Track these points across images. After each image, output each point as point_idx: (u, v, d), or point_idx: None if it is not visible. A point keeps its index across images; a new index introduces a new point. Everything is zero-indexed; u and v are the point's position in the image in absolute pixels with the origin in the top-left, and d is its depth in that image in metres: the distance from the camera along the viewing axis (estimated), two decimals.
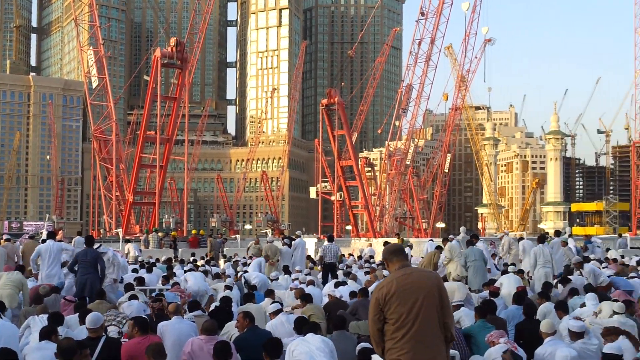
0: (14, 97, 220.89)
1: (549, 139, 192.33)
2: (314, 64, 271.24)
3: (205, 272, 19.85)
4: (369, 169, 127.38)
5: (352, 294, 14.97)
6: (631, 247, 37.53)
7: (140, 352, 8.50)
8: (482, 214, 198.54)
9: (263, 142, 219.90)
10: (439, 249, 22.09)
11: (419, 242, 43.21)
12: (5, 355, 7.78)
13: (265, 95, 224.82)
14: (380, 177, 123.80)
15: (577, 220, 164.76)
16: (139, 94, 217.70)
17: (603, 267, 18.59)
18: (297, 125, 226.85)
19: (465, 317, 11.89)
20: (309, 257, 28.17)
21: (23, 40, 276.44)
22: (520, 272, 17.76)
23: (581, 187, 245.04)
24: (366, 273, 21.67)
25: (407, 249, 28.80)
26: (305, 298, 13.45)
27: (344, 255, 31.15)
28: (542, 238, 19.21)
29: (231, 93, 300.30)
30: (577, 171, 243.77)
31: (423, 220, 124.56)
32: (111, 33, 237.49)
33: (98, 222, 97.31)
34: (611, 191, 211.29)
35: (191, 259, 28.60)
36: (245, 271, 21.38)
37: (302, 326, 9.91)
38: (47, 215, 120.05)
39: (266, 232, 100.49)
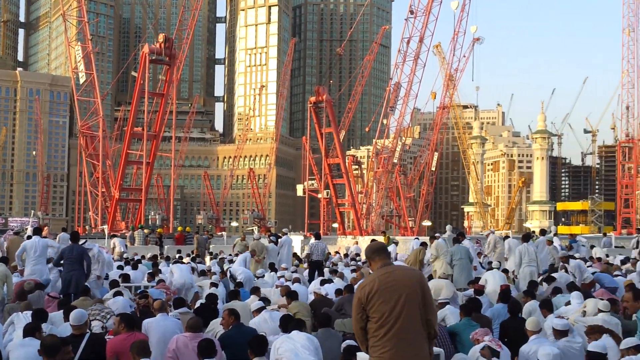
0: (1, 93, 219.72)
1: (536, 138, 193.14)
2: (302, 61, 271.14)
3: (192, 270, 19.83)
4: (356, 167, 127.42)
5: (338, 292, 14.98)
6: (616, 246, 37.75)
7: (125, 349, 8.47)
8: (468, 212, 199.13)
9: (250, 139, 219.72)
10: (424, 245, 22.16)
11: (405, 240, 43.25)
12: None
13: (254, 92, 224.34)
14: (368, 175, 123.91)
15: (563, 219, 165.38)
16: (127, 90, 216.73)
17: (587, 266, 18.70)
18: (284, 123, 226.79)
19: (450, 315, 11.93)
20: (295, 254, 28.18)
21: (10, 35, 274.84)
22: (504, 272, 17.84)
23: (567, 186, 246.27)
24: (352, 271, 21.72)
25: (392, 246, 28.89)
26: (291, 295, 13.46)
27: (330, 253, 31.17)
28: (527, 237, 19.29)
29: (219, 90, 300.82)
30: (563, 170, 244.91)
31: (410, 219, 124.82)
32: (99, 29, 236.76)
33: (84, 218, 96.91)
34: (597, 191, 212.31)
35: (177, 256, 28.57)
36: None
37: (288, 324, 9.91)
38: (33, 211, 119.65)
39: (253, 230, 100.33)
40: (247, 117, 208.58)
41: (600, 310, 10.82)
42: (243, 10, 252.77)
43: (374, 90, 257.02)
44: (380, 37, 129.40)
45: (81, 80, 72.20)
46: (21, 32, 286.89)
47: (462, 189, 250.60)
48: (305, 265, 25.25)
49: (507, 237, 26.50)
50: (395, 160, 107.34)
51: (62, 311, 11.33)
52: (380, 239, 32.77)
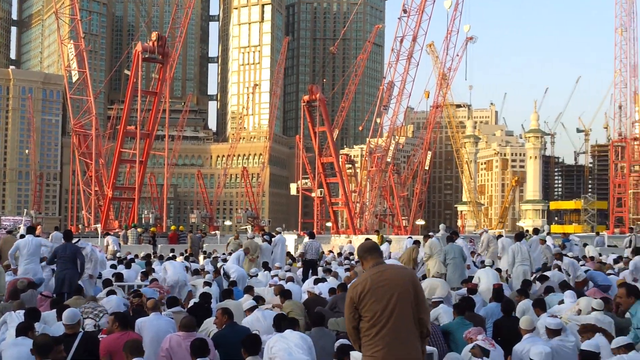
0: None
1: (529, 137, 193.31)
2: (295, 60, 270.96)
3: (185, 269, 19.80)
4: (350, 165, 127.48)
5: (332, 291, 14.98)
6: (608, 245, 37.91)
7: (119, 348, 8.45)
8: (461, 211, 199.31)
9: (244, 138, 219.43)
10: (417, 244, 22.20)
11: (399, 239, 43.33)
12: None
13: (247, 91, 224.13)
14: (361, 174, 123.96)
15: (556, 218, 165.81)
16: (120, 88, 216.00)
17: (580, 265, 18.76)
18: (278, 122, 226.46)
19: (443, 314, 11.95)
20: (288, 253, 28.16)
21: (3, 33, 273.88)
22: (497, 270, 17.87)
23: (560, 185, 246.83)
24: (346, 270, 21.73)
25: (385, 245, 28.92)
26: (285, 295, 13.45)
27: (323, 252, 31.19)
28: (520, 235, 19.30)
29: (212, 88, 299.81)
30: (556, 170, 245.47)
31: (403, 218, 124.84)
32: (92, 27, 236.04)
33: (77, 217, 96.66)
34: (589, 190, 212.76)
35: (170, 254, 28.51)
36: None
37: (281, 323, 9.91)
38: (25, 210, 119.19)
39: (246, 228, 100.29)
40: (241, 116, 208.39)
41: (594, 309, 10.85)
42: (236, 8, 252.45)
43: (367, 89, 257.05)
44: (374, 36, 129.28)
45: (74, 79, 72.10)
46: (13, 30, 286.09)
47: (455, 188, 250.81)
48: (299, 264, 25.24)
49: (500, 236, 26.56)
50: (389, 159, 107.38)
51: (55, 310, 11.30)
52: (374, 238, 32.79)
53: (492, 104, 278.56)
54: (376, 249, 6.45)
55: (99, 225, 62.21)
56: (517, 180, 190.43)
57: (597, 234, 43.01)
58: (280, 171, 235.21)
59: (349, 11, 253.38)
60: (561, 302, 12.71)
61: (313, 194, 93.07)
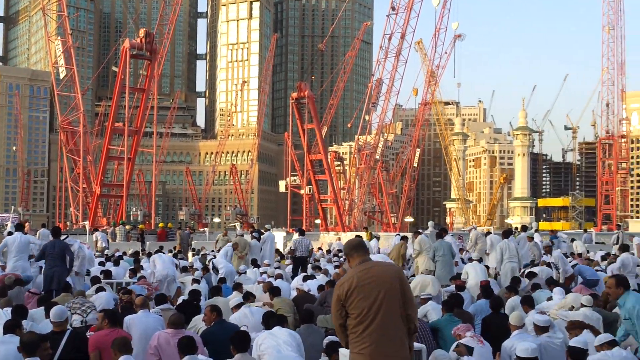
0: None
1: (517, 134, 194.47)
2: (284, 57, 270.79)
3: (175, 266, 19.74)
4: (339, 163, 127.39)
5: (320, 288, 14.97)
6: (596, 242, 38.08)
7: (108, 344, 8.41)
8: (450, 208, 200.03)
9: (232, 135, 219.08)
10: (404, 239, 22.24)
11: (387, 236, 43.36)
12: None
13: (235, 88, 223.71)
14: (350, 171, 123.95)
15: (544, 215, 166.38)
16: (107, 85, 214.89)
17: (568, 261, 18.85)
18: (266, 119, 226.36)
19: (432, 311, 11.96)
20: (277, 250, 28.15)
21: None
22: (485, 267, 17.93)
23: (548, 182, 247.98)
24: (335, 267, 21.73)
25: (374, 241, 28.95)
26: (274, 292, 13.43)
27: (313, 248, 31.20)
28: (508, 232, 19.34)
29: (201, 85, 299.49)
30: (544, 167, 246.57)
31: (392, 215, 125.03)
32: (79, 23, 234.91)
33: (65, 214, 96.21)
34: (577, 187, 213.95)
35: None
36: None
37: (270, 320, 9.90)
38: (13, 207, 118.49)
39: (235, 226, 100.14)
40: (229, 113, 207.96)
41: (583, 305, 10.90)
42: (224, 5, 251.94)
43: (356, 87, 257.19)
44: (362, 33, 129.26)
45: (61, 75, 71.69)
46: (0, 26, 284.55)
47: (444, 185, 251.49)
48: (288, 261, 25.22)
49: (488, 233, 26.62)
50: (378, 157, 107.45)
51: (43, 308, 11.24)
52: (363, 235, 32.82)
53: (480, 101, 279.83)
54: (362, 246, 6.44)
55: (87, 223, 62.02)
56: (506, 178, 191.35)
57: (585, 231, 43.13)
58: (269, 168, 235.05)
59: (338, 8, 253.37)
60: (550, 298, 12.76)
61: (302, 191, 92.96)
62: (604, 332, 9.89)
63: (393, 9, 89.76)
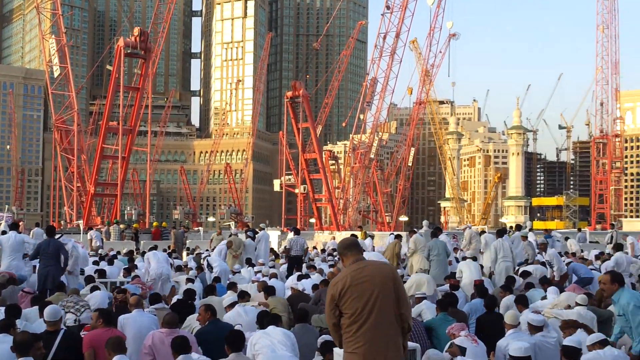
0: None
1: (511, 134, 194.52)
2: (279, 56, 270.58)
3: (169, 265, 19.71)
4: (333, 162, 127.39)
5: (315, 287, 14.97)
6: (590, 242, 38.18)
7: (102, 343, 8.38)
8: (444, 207, 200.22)
9: (227, 134, 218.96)
10: (398, 238, 22.24)
11: (382, 235, 43.39)
12: None
13: (230, 86, 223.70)
14: (345, 171, 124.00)
15: (538, 214, 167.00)
16: (102, 83, 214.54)
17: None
18: (261, 118, 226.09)
19: (426, 310, 11.97)
20: (272, 249, 28.14)
21: None
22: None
23: (542, 182, 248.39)
24: (330, 266, 21.73)
25: (368, 239, 28.95)
26: (268, 291, 13.43)
27: (308, 247, 31.19)
28: (502, 232, 19.35)
29: (195, 84, 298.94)
30: (538, 166, 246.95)
31: (386, 214, 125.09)
32: (74, 22, 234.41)
33: (59, 213, 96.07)
34: (571, 186, 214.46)
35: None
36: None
37: (264, 319, 9.89)
38: (7, 206, 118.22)
39: (229, 225, 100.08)
40: (224, 112, 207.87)
41: (577, 304, 10.91)
42: (219, 4, 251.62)
43: (350, 86, 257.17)
44: (357, 32, 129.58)
45: (55, 74, 71.43)
46: None
47: (438, 185, 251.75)
48: (282, 260, 25.20)
49: (483, 232, 26.65)
50: (372, 156, 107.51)
51: (36, 307, 11.21)
52: (358, 234, 32.82)
53: (474, 100, 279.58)
54: (356, 246, 6.43)
55: (81, 222, 61.84)
56: (500, 177, 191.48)
57: (579, 230, 43.24)
58: (264, 167, 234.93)
59: (332, 7, 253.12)
60: (544, 297, 12.78)
61: (296, 190, 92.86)
62: (598, 330, 9.92)
63: (388, 7, 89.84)
